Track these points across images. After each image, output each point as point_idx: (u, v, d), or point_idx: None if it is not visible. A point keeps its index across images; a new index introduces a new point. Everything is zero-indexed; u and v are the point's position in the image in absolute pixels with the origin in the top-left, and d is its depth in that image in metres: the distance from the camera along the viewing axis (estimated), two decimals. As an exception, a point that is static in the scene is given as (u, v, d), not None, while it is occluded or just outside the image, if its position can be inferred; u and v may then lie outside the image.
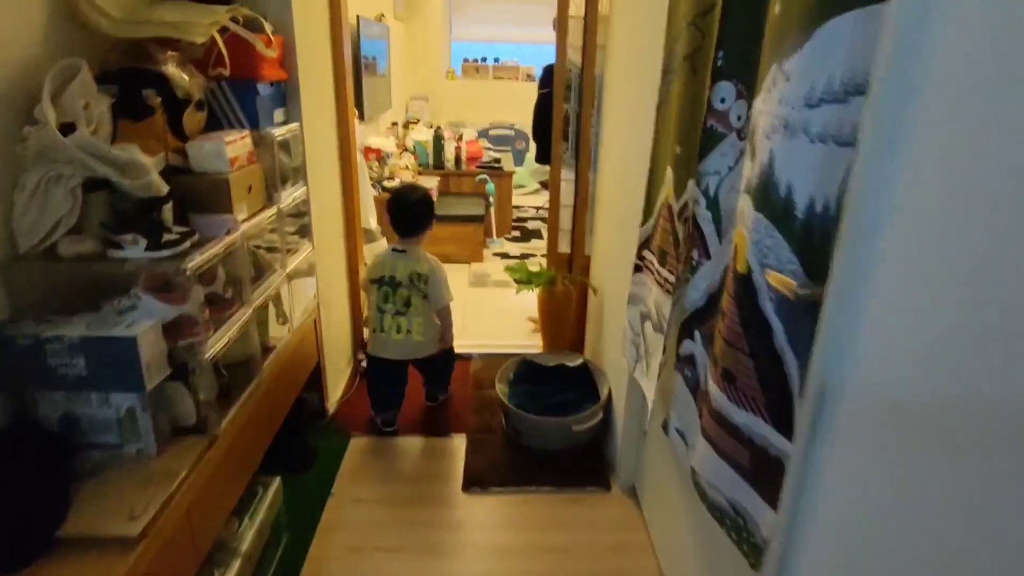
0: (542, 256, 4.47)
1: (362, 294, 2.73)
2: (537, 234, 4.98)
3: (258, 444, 1.68)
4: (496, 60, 6.80)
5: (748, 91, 1.06)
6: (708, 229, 1.19)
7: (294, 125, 1.91)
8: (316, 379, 2.26)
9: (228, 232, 1.47)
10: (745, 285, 0.97)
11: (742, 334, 0.98)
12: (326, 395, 2.32)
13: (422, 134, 4.90)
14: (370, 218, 3.51)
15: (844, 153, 0.77)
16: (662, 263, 1.50)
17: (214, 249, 1.38)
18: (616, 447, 2.08)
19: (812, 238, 0.82)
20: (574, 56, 2.48)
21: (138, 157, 1.29)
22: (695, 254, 1.23)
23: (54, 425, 1.25)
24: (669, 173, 1.44)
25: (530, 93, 6.54)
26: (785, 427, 0.91)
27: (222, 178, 1.49)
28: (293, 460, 2.08)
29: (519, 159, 6.08)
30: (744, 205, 0.99)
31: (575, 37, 2.44)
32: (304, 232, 2.06)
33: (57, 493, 1.13)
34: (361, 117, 4.09)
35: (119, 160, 1.27)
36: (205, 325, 1.36)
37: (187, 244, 1.35)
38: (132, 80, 1.45)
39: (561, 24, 2.43)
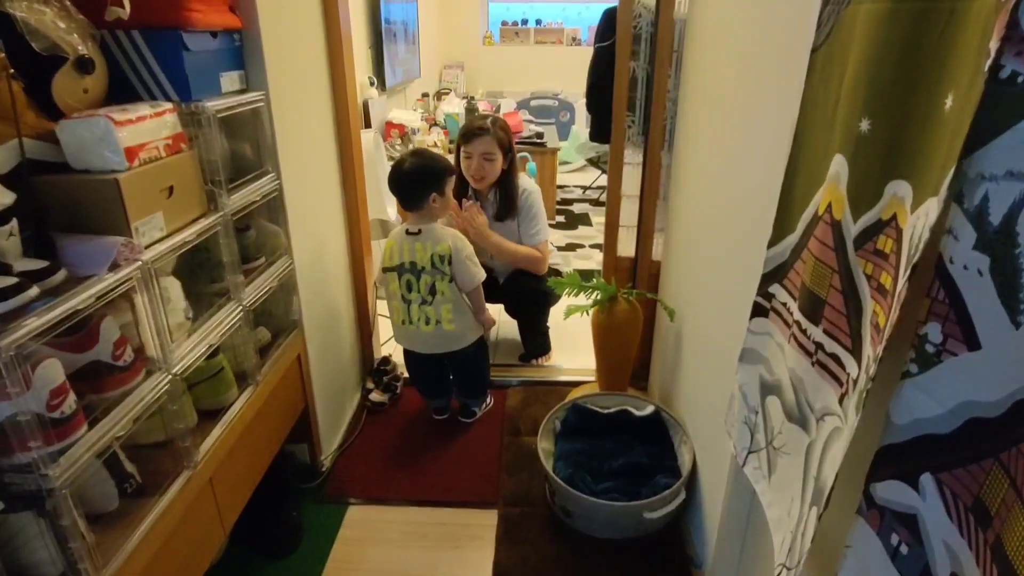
0: (591, 247, 3.86)
1: (371, 300, 2.20)
2: (585, 220, 4.36)
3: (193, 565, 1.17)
4: (538, 22, 6.13)
5: None
6: (976, 289, 0.58)
7: (255, 95, 1.36)
8: (304, 427, 1.74)
9: (115, 265, 0.93)
10: None
11: None
12: (318, 447, 1.80)
13: (453, 106, 4.31)
14: (388, 208, 2.97)
15: None
16: (811, 316, 0.90)
17: (78, 299, 0.85)
18: (705, 540, 1.50)
19: None
20: (644, -5, 1.84)
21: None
22: (934, 332, 0.63)
23: None
24: (838, 166, 0.83)
25: (576, 58, 5.85)
26: None
27: (108, 179, 0.95)
28: (270, 541, 1.58)
29: (563, 132, 5.43)
30: None
31: (647, -33, 1.80)
32: (275, 239, 1.52)
33: None
34: (382, 88, 3.53)
35: None
36: (56, 430, 0.83)
37: (30, 294, 0.82)
38: (-37, 26, 0.92)
39: (627, -49, 1.79)
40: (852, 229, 0.80)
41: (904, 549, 0.70)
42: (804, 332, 0.91)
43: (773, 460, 1.05)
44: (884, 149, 0.74)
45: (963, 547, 0.63)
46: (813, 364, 0.89)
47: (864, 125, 0.77)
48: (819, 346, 0.87)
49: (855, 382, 0.78)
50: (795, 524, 0.91)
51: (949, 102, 0.62)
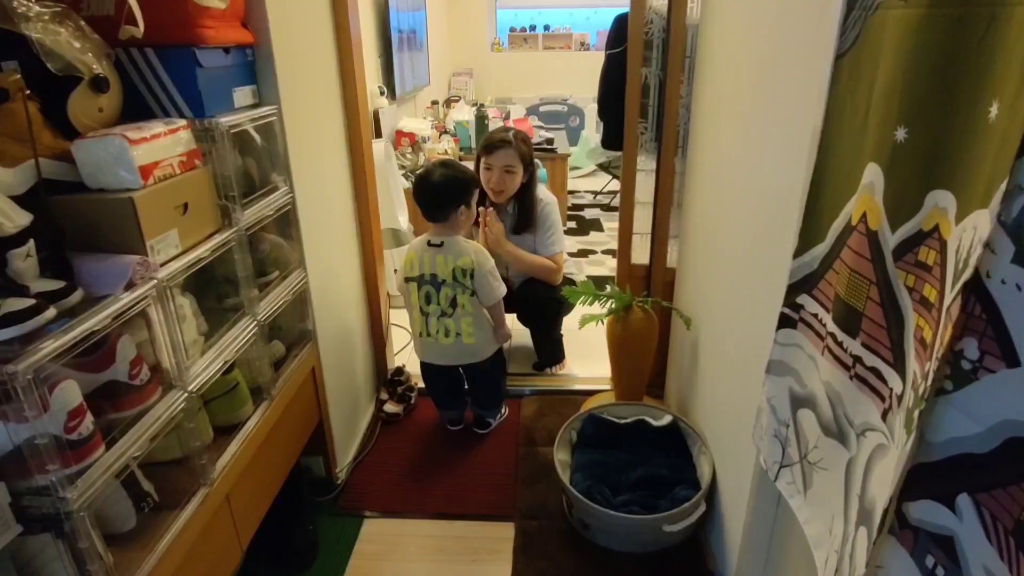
0: (603, 253, 3.84)
1: (384, 310, 2.20)
2: (597, 225, 4.34)
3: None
4: (546, 28, 6.13)
5: None
6: (1016, 304, 0.56)
7: (267, 109, 1.35)
8: (319, 440, 1.73)
9: (131, 284, 0.93)
10: None
11: None
12: (333, 459, 1.80)
13: (463, 113, 4.31)
14: (400, 216, 2.96)
15: None
16: (847, 328, 0.87)
17: (94, 320, 0.85)
18: (726, 553, 1.47)
19: None
20: (656, 1, 1.83)
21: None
22: (971, 348, 0.60)
23: None
24: (873, 176, 0.80)
25: (584, 63, 5.84)
26: None
27: (123, 198, 0.95)
28: (287, 556, 1.57)
29: (573, 138, 5.42)
30: None
31: (658, -27, 1.79)
32: (288, 253, 1.51)
33: None
34: (392, 96, 3.54)
35: (-95, 181, 0.73)
36: (74, 452, 0.82)
37: (47, 315, 0.81)
38: (-20, 48, 0.92)
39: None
40: (890, 240, 0.77)
41: (940, 572, 0.68)
42: (840, 344, 0.89)
43: (809, 475, 1.02)
44: (923, 158, 0.71)
45: (1004, 572, 0.60)
46: (851, 378, 0.87)
47: (901, 133, 0.75)
48: (857, 359, 0.85)
49: (899, 398, 0.75)
50: (839, 543, 0.88)
51: (994, 110, 0.60)
